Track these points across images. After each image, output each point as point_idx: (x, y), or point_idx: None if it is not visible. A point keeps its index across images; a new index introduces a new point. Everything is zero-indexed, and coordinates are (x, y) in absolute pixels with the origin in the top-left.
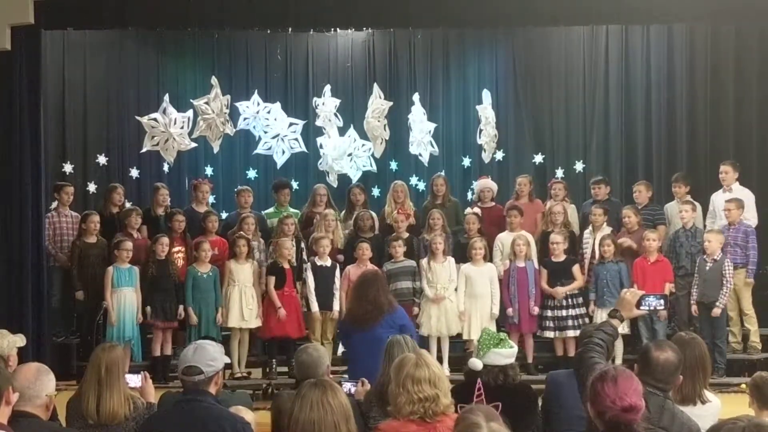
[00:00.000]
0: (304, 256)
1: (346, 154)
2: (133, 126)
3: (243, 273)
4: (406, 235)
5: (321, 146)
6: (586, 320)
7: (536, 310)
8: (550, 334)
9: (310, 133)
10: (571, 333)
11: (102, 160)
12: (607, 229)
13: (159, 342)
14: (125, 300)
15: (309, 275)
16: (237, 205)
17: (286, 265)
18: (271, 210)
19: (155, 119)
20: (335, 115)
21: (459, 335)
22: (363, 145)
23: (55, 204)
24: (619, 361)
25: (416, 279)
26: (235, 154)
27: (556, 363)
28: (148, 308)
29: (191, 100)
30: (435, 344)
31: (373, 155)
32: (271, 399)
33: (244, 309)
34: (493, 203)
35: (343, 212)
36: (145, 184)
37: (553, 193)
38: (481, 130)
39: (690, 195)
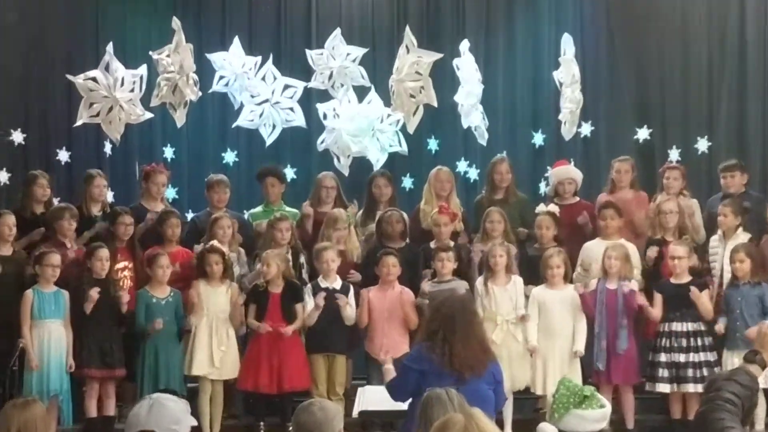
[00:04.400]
0: (304, 275)
1: (367, 130)
2: (62, 89)
3: (216, 299)
4: (451, 244)
5: (328, 117)
6: (716, 369)
7: (623, 347)
8: (663, 387)
9: (313, 98)
10: (692, 387)
11: (18, 137)
12: (743, 236)
13: (96, 397)
14: (50, 336)
15: (310, 302)
16: (208, 202)
17: (276, 288)
18: (257, 210)
19: (94, 79)
20: (351, 72)
21: (527, 389)
22: (389, 116)
23: None
24: (760, 426)
25: None
26: (207, 129)
27: (670, 430)
28: (84, 348)
29: (150, 53)
30: None
31: (403, 130)
32: None
33: (215, 350)
34: (577, 198)
35: (361, 213)
36: (79, 172)
37: (666, 183)
38: (559, 94)
39: None
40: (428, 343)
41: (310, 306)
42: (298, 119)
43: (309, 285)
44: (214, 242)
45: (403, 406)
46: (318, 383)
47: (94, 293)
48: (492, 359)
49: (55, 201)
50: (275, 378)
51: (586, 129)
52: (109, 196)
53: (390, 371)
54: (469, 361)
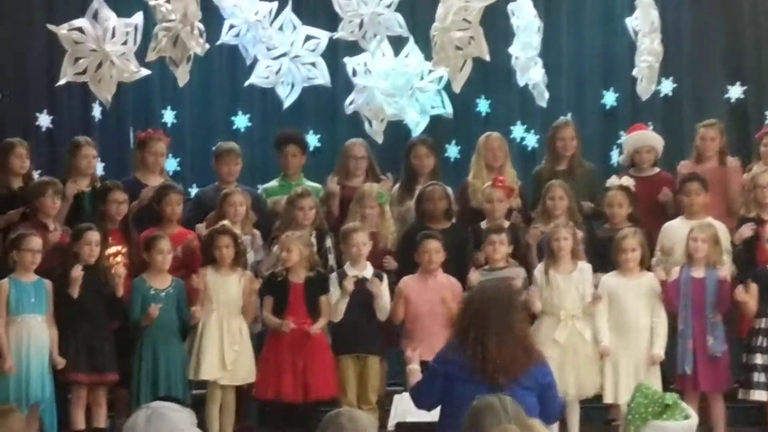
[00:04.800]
0: (331, 261)
1: (405, 88)
2: (43, 42)
3: (227, 289)
4: (506, 224)
5: (358, 73)
6: None
7: (721, 349)
8: (759, 395)
9: (340, 52)
10: None
11: None
12: None
13: (83, 406)
14: (30, 334)
15: (336, 293)
16: (216, 175)
17: (297, 278)
18: (273, 184)
19: (80, 30)
20: (386, 20)
21: (597, 397)
22: (430, 72)
23: None
24: None
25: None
26: (214, 89)
27: None
28: (70, 348)
29: None
30: None
31: (448, 89)
32: None
33: (226, 350)
34: (657, 170)
35: (397, 188)
36: (63, 139)
37: (763, 151)
38: (635, 46)
39: None
40: (457, 342)
41: (334, 298)
42: (322, 76)
43: (335, 273)
44: (225, 222)
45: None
46: (347, 390)
47: (77, 271)
48: (536, 361)
49: (35, 174)
50: (300, 384)
51: (667, 87)
52: (99, 169)
53: (415, 372)
54: (504, 364)
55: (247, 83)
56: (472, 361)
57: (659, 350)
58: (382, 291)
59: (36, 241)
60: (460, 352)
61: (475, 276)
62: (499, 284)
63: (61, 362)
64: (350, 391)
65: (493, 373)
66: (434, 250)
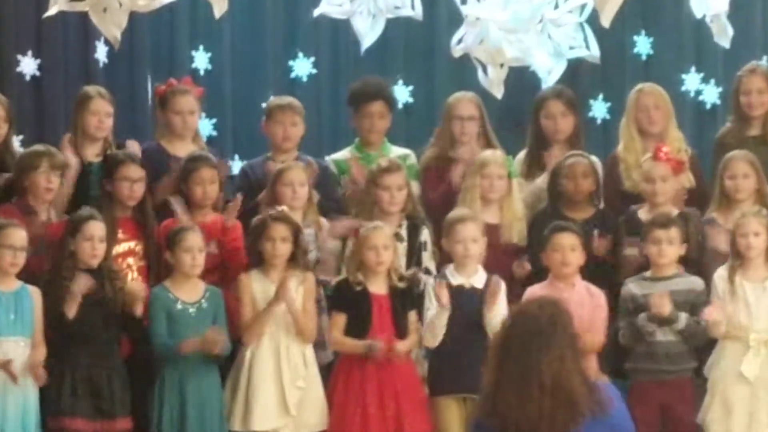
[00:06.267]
0: (427, 263)
1: (532, 21)
2: None
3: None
4: (675, 212)
5: (467, 1)
6: None
7: None
8: None
9: None
10: None
11: None
12: None
13: None
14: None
15: (432, 306)
16: (269, 141)
17: (379, 288)
18: (345, 153)
19: None
20: None
21: None
22: (565, 0)
23: None
24: None
25: (696, 313)
26: (265, 23)
27: None
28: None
29: None
30: None
31: (593, 22)
32: None
33: (287, 388)
34: None
35: (523, 158)
36: (54, 91)
37: None
38: None
39: None
40: (480, 397)
41: (431, 314)
42: (414, 8)
43: (432, 280)
44: (283, 208)
45: None
46: None
47: (80, 284)
48: (592, 412)
49: (16, 140)
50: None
51: None
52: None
53: None
54: (531, 423)
55: (316, 12)
56: (488, 419)
57: None
58: (499, 305)
59: (18, 235)
60: (479, 410)
61: (633, 287)
62: (537, 305)
63: (40, 376)
64: None
65: None
66: (569, 247)
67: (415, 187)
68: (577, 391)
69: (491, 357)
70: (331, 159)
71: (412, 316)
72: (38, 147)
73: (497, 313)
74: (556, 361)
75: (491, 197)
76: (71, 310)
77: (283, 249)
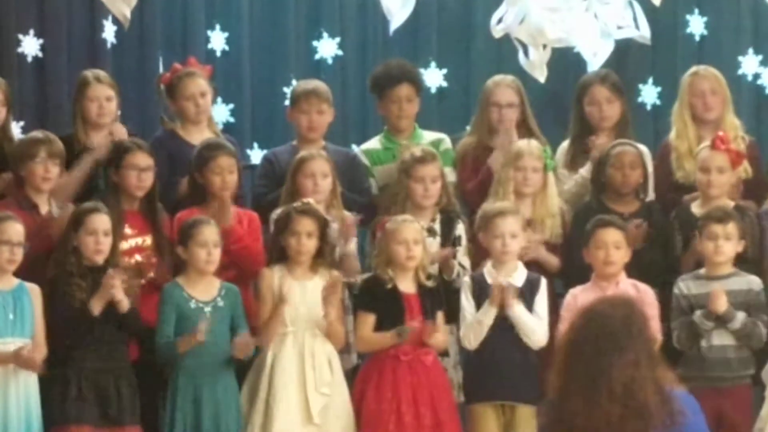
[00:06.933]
0: (461, 258)
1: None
2: None
3: (308, 301)
4: (731, 205)
5: None
6: None
7: None
8: None
9: None
10: None
11: None
12: None
13: None
14: (6, 371)
15: (469, 305)
16: (294, 129)
17: (407, 287)
18: (374, 142)
19: None
20: None
21: None
22: None
23: None
24: None
25: (754, 314)
26: (286, 1)
27: None
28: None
29: None
30: None
31: (643, 2)
32: None
33: (311, 395)
34: None
35: (566, 147)
36: (56, 75)
37: None
38: None
39: None
40: (545, 404)
41: (468, 314)
42: None
43: (467, 278)
44: (309, 201)
45: None
46: None
47: (113, 278)
48: (664, 423)
49: (16, 127)
50: None
51: None
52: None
53: None
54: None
55: None
56: (552, 426)
57: None
58: (537, 305)
59: (15, 230)
60: (543, 420)
61: (684, 286)
62: (610, 304)
63: (35, 363)
64: None
65: None
66: (613, 244)
67: (451, 174)
68: (650, 401)
69: (558, 360)
70: (361, 149)
71: (440, 317)
72: (36, 134)
73: (536, 314)
74: (629, 367)
75: (525, 191)
76: (97, 307)
77: (309, 245)
